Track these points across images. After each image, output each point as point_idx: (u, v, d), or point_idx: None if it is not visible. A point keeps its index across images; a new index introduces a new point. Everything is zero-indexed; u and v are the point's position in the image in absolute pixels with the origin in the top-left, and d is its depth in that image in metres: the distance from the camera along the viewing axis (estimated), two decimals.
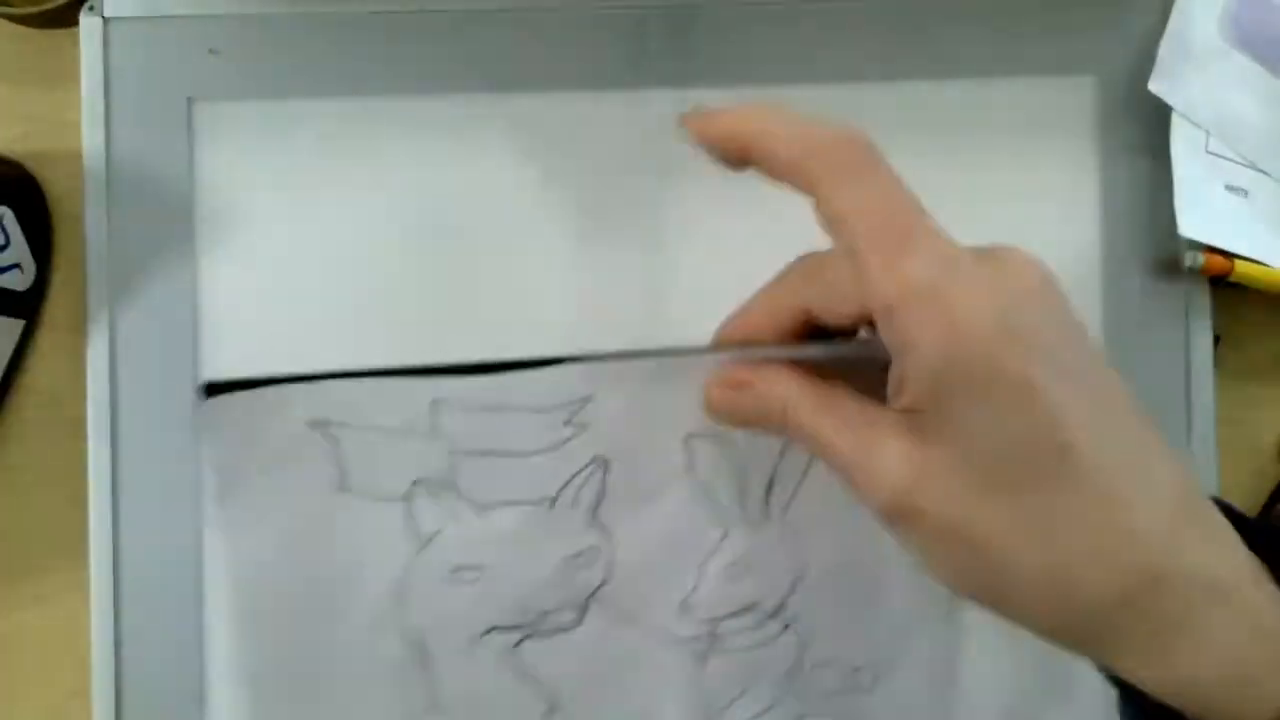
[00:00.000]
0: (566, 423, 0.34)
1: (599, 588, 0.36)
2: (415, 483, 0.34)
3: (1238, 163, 0.43)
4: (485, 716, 0.36)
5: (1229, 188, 0.43)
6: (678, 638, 0.37)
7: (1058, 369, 0.27)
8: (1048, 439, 0.26)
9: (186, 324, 0.42)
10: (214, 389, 0.33)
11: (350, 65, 0.42)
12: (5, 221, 0.42)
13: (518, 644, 0.36)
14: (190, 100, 0.42)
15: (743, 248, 0.43)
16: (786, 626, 0.37)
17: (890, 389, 0.29)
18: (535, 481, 0.34)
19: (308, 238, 0.42)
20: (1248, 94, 0.44)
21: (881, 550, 0.37)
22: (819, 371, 0.31)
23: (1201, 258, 0.42)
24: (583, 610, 0.36)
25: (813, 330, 0.32)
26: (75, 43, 0.42)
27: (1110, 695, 0.30)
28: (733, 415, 0.32)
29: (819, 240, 0.30)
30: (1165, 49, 0.43)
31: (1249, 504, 0.45)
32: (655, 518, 0.35)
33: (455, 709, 0.36)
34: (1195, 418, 0.43)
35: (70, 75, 0.42)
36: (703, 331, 0.34)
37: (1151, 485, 0.27)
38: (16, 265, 0.42)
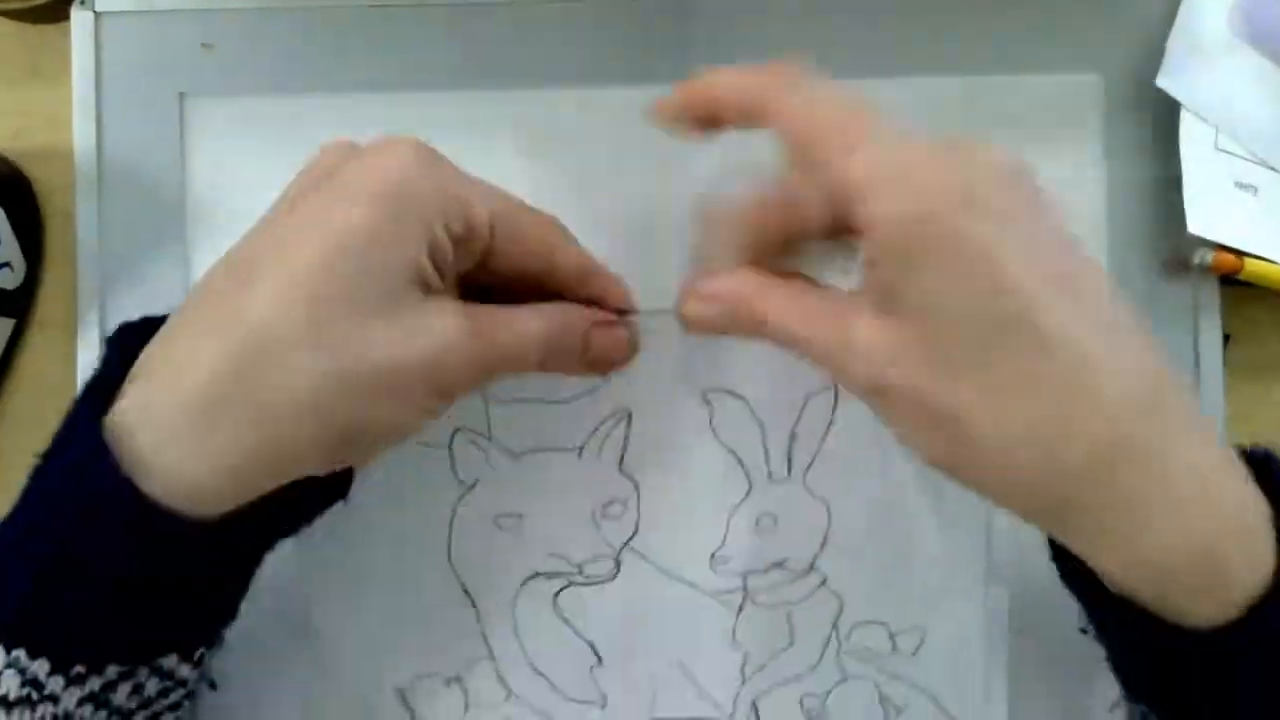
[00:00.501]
0: None
1: (630, 539, 0.38)
2: (456, 430, 0.37)
3: (1247, 159, 0.43)
4: (534, 663, 0.38)
5: (1238, 185, 0.42)
6: (712, 591, 0.38)
7: (1023, 243, 0.27)
8: (1009, 308, 0.27)
9: None
10: None
11: (344, 60, 0.42)
12: None
13: (558, 592, 0.38)
14: (182, 96, 0.42)
15: None
16: (823, 582, 0.38)
17: (861, 275, 0.29)
18: (564, 429, 0.38)
19: None
20: (1257, 90, 0.43)
21: (908, 515, 0.38)
22: (785, 275, 0.32)
23: (1211, 255, 0.41)
24: (617, 562, 0.38)
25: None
26: (66, 38, 0.42)
27: None
28: (707, 326, 0.34)
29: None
30: (1173, 44, 0.42)
31: None
32: (680, 470, 0.38)
33: (506, 658, 0.38)
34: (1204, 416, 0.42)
35: (61, 71, 0.42)
36: None
37: (1122, 363, 0.27)
38: (7, 263, 0.42)
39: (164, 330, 0.31)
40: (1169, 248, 0.42)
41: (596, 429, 0.37)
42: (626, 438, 0.38)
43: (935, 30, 0.43)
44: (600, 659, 0.39)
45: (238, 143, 0.42)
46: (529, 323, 0.33)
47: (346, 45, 0.42)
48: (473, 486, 0.37)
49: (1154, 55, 0.42)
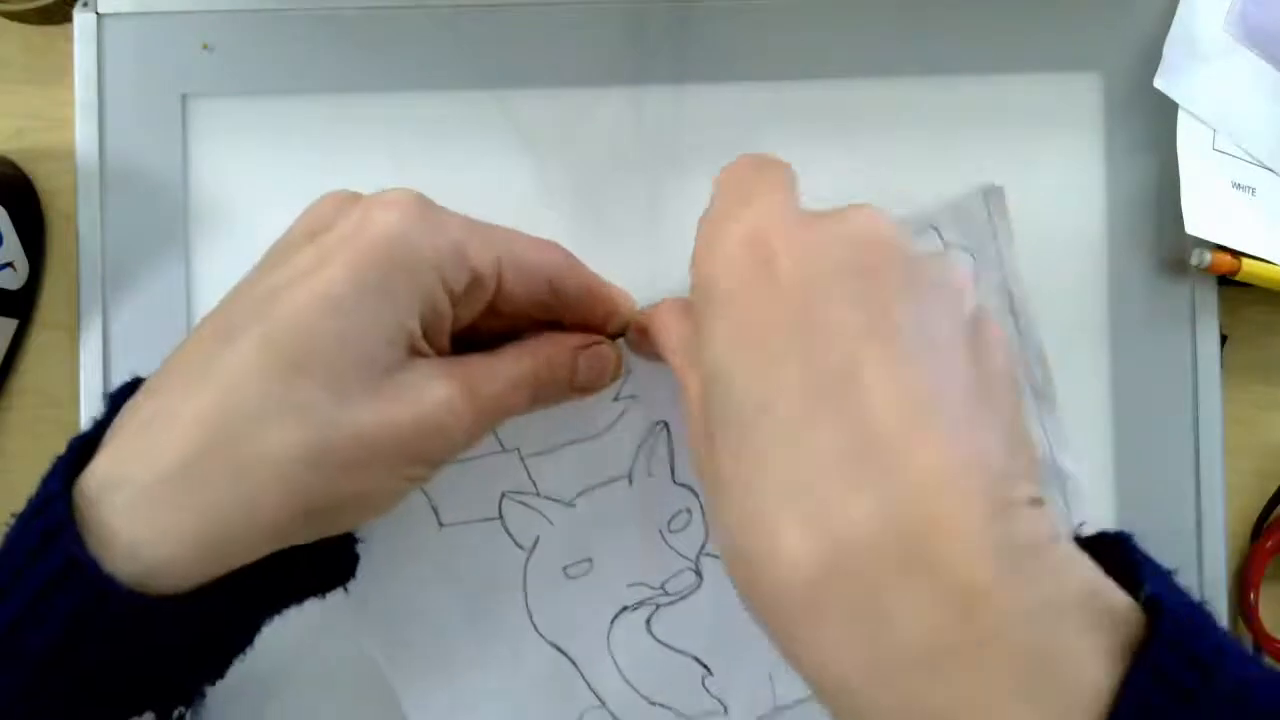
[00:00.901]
0: (615, 399, 0.36)
1: (704, 545, 0.37)
2: (503, 495, 0.36)
3: (1245, 160, 0.43)
4: (648, 696, 0.38)
5: (1236, 185, 0.42)
6: None
7: (762, 323, 0.25)
8: (718, 385, 0.25)
9: (180, 322, 0.41)
10: None
11: (346, 61, 0.42)
12: None
13: (650, 619, 0.37)
14: (184, 97, 0.42)
15: None
16: None
17: None
18: (608, 460, 0.37)
19: None
20: (1254, 91, 0.43)
21: None
22: None
23: (1209, 256, 0.41)
24: (698, 572, 0.37)
25: None
26: (69, 39, 0.42)
27: None
28: (644, 354, 0.34)
29: None
30: (1171, 45, 0.42)
31: (1254, 505, 0.45)
32: None
33: (618, 699, 0.38)
34: (1202, 417, 0.42)
35: (64, 72, 0.42)
36: None
37: (884, 467, 0.22)
38: (9, 264, 0.42)
39: (143, 388, 0.29)
40: (1167, 248, 0.43)
41: (639, 449, 0.37)
42: (671, 449, 0.37)
43: (934, 30, 0.43)
44: (709, 669, 0.38)
45: (240, 144, 0.42)
46: (516, 370, 0.31)
47: (348, 46, 0.42)
48: (535, 547, 0.37)
49: (1152, 56, 0.42)
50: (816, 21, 0.42)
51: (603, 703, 0.38)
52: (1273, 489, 0.45)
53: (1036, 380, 0.40)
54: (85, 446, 0.29)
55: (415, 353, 0.29)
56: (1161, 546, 0.42)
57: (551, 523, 0.37)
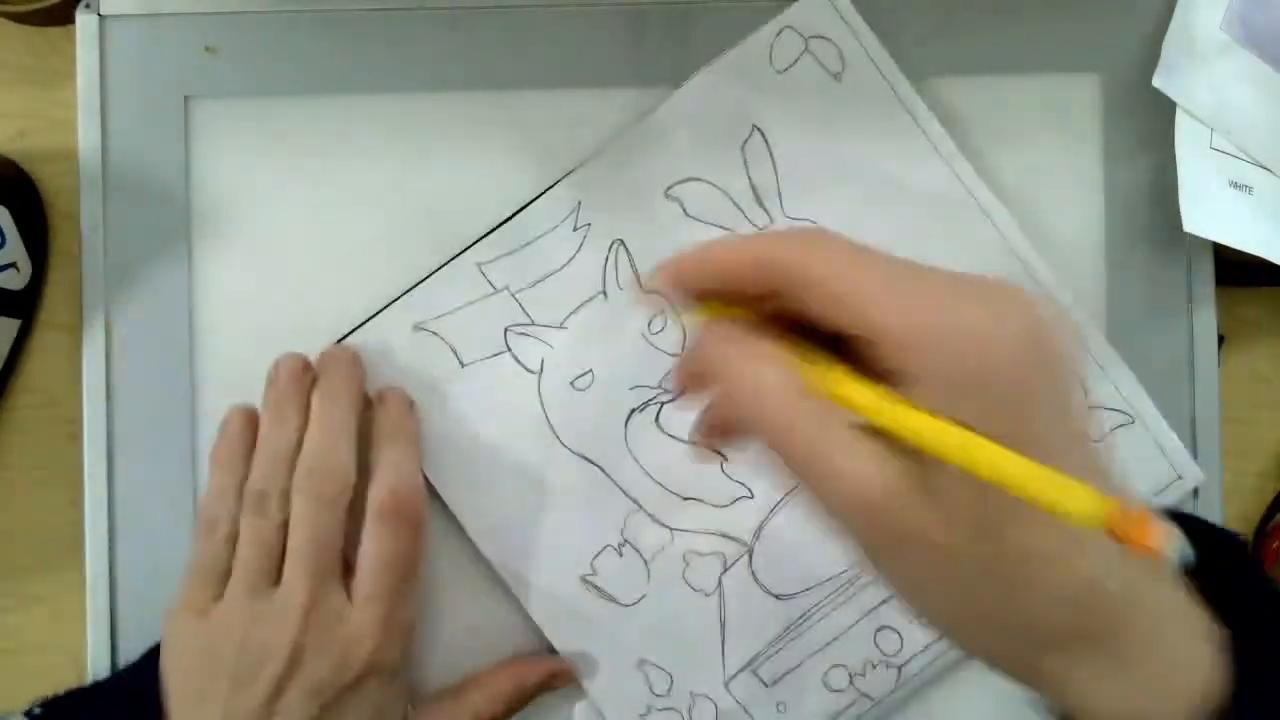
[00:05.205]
0: (575, 229, 0.41)
1: (685, 342, 0.41)
2: (506, 330, 0.41)
3: (1242, 159, 0.43)
4: (679, 493, 0.41)
5: (1233, 184, 0.42)
6: None
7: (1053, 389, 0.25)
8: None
9: (182, 322, 0.42)
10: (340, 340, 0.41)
11: (347, 63, 0.42)
12: (1, 221, 0.41)
13: (657, 416, 0.41)
14: (187, 98, 0.42)
15: None
16: None
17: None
18: (582, 284, 0.41)
19: (303, 236, 0.42)
20: (1252, 90, 0.43)
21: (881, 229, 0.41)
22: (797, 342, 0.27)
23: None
24: None
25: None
26: (71, 40, 0.42)
27: None
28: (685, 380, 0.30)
29: None
30: (1169, 45, 0.42)
31: (1253, 505, 0.45)
32: None
33: (652, 500, 0.41)
34: (1200, 418, 0.42)
35: (66, 73, 0.42)
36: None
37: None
38: (12, 264, 0.42)
39: None
40: (1165, 247, 0.43)
41: (604, 267, 0.41)
42: (632, 261, 0.41)
43: (934, 32, 0.43)
44: (724, 455, 0.41)
45: (242, 145, 0.42)
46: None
47: (349, 48, 0.42)
48: (542, 369, 0.41)
49: (1151, 56, 0.42)
50: None
51: (639, 505, 0.41)
52: (1272, 489, 0.45)
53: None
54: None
55: None
56: None
57: (551, 346, 0.41)
